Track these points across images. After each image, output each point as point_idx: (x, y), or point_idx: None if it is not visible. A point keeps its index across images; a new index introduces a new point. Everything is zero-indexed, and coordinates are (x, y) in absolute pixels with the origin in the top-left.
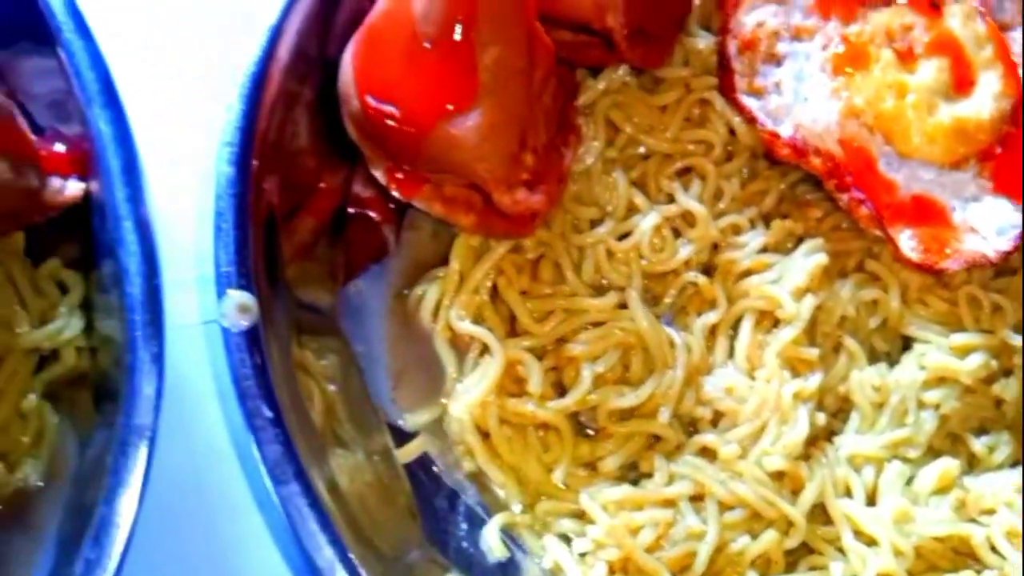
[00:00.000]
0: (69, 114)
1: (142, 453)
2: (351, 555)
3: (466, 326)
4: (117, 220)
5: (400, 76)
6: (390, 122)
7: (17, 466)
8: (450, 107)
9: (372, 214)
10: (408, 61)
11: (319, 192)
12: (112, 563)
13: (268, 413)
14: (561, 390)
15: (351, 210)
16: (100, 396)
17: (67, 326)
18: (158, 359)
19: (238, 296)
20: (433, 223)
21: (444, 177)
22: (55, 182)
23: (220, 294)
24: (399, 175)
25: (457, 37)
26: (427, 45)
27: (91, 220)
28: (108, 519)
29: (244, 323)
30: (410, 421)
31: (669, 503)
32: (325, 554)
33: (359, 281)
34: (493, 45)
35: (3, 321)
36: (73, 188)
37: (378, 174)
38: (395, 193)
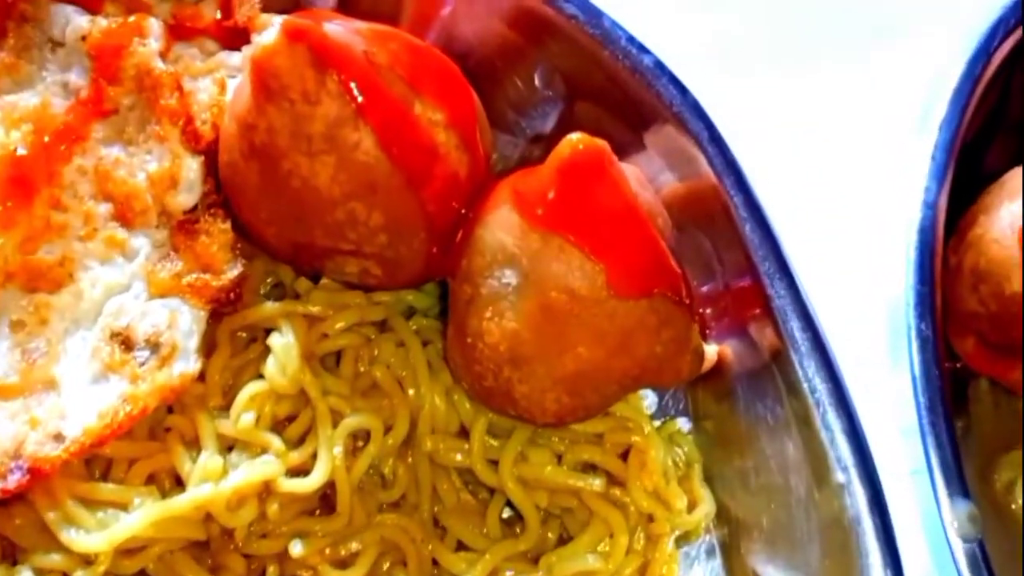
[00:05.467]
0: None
1: None
2: None
3: None
4: (820, 405)
5: None
6: None
7: None
8: None
9: None
10: None
11: None
12: None
13: None
14: None
15: None
16: None
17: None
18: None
19: (966, 507)
20: (994, 397)
21: None
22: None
23: (938, 496)
24: (985, 352)
25: None
26: None
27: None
28: None
29: (973, 532)
30: None
31: None
32: None
33: None
34: None
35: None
36: (712, 352)
37: (959, 346)
38: (973, 366)
